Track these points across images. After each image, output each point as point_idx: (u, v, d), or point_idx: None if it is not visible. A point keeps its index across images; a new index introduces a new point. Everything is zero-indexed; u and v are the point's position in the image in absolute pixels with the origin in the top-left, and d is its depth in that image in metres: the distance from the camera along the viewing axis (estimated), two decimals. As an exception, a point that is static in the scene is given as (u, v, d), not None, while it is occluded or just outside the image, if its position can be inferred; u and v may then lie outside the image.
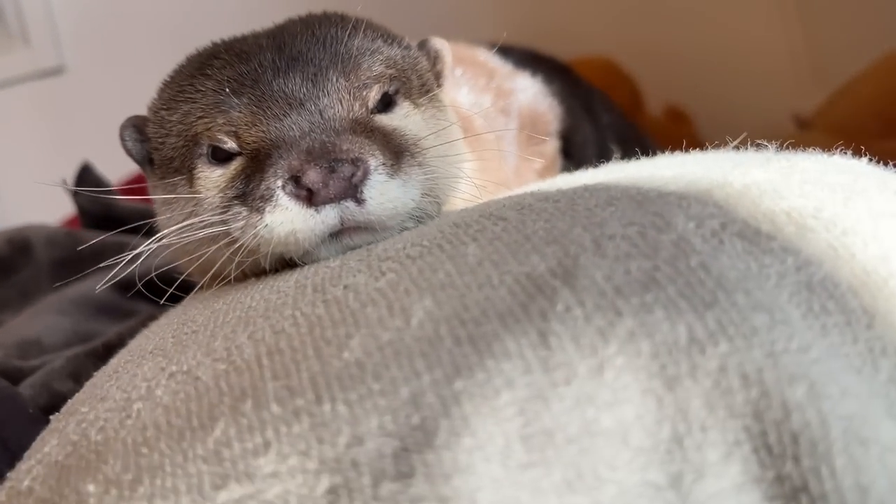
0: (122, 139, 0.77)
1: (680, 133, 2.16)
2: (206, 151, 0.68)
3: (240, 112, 0.65)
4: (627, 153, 1.31)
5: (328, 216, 0.60)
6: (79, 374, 0.90)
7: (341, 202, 0.60)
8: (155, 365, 0.52)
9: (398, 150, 0.64)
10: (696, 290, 0.40)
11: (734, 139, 0.62)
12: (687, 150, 0.68)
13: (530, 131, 1.01)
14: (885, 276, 0.44)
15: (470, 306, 0.43)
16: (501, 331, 0.41)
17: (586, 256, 0.44)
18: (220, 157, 0.67)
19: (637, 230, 0.45)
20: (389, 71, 0.69)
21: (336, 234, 0.62)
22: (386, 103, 0.69)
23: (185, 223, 0.68)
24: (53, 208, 2.31)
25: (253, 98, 0.65)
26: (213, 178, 0.68)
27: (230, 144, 0.66)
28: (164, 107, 0.72)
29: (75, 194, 1.35)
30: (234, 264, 0.63)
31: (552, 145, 1.05)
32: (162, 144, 0.72)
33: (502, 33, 2.34)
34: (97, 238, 1.26)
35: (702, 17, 2.31)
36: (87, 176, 1.36)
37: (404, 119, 0.69)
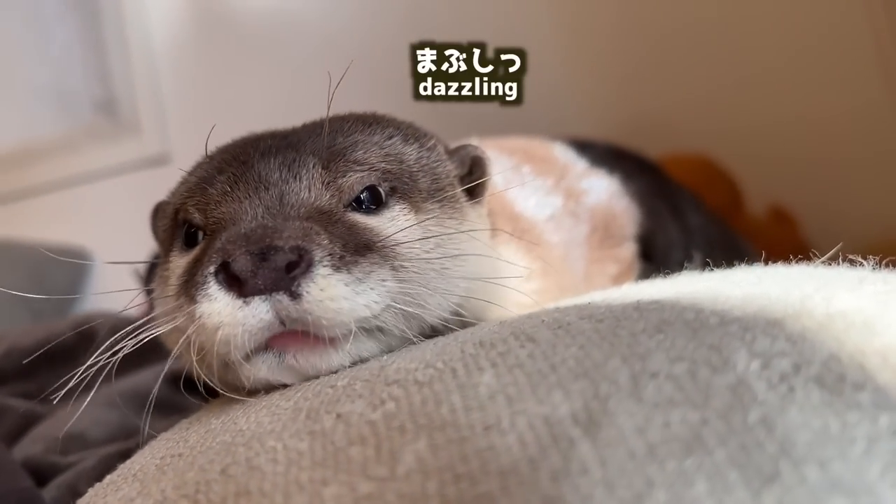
0: (151, 221, 0.75)
1: (784, 236, 2.02)
2: (181, 234, 0.63)
3: (213, 189, 0.60)
4: (717, 258, 1.21)
5: (258, 309, 0.52)
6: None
7: (273, 295, 0.51)
8: (127, 493, 0.46)
9: (364, 245, 0.56)
10: (753, 457, 0.30)
11: (844, 242, 0.53)
12: (791, 256, 0.59)
13: (603, 234, 0.93)
14: None
15: (469, 455, 0.35)
16: (499, 495, 0.32)
17: (619, 399, 0.35)
18: (192, 242, 0.62)
19: (687, 368, 0.36)
20: (386, 166, 0.62)
21: (280, 352, 0.54)
22: (376, 203, 0.61)
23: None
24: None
25: (231, 177, 0.60)
26: (177, 264, 0.63)
27: (196, 218, 0.61)
28: (171, 194, 0.69)
29: (146, 282, 1.34)
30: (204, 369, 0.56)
31: (628, 249, 0.96)
32: (161, 230, 0.70)
33: (595, 125, 2.29)
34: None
35: (809, 108, 2.18)
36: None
37: (388, 221, 0.60)
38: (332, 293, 0.52)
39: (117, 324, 1.23)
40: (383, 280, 0.55)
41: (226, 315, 0.52)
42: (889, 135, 2.13)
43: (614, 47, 2.26)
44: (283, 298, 0.51)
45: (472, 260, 0.63)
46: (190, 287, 0.56)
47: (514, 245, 0.75)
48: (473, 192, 0.70)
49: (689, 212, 1.17)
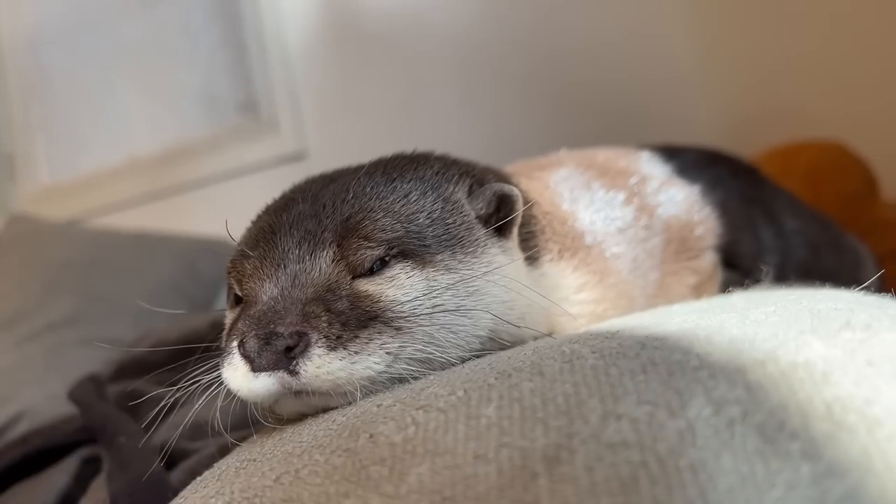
0: None
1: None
2: (231, 293, 0.75)
3: (248, 264, 0.70)
4: (820, 259, 1.20)
5: (266, 383, 0.63)
6: (226, 463, 0.97)
7: (276, 372, 0.62)
8: (208, 492, 0.56)
9: (367, 317, 0.65)
10: (674, 498, 0.35)
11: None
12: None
13: (679, 246, 0.96)
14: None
15: (457, 482, 0.42)
16: (468, 518, 0.39)
17: (583, 438, 0.41)
18: (238, 300, 0.73)
19: (648, 411, 0.42)
20: (396, 235, 0.70)
21: (298, 392, 0.64)
22: (382, 264, 0.69)
23: None
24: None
25: (261, 251, 0.70)
26: (229, 318, 0.75)
27: (236, 289, 0.73)
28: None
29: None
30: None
31: (708, 260, 0.99)
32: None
33: (724, 114, 2.26)
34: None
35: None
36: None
37: (388, 282, 0.68)
38: (327, 369, 0.62)
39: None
40: (383, 344, 0.64)
41: (242, 383, 0.64)
42: None
43: (746, 33, 2.22)
44: (284, 375, 0.62)
45: (490, 294, 0.71)
46: (224, 349, 0.69)
47: (563, 262, 0.82)
48: (506, 227, 0.78)
49: (785, 215, 1.17)
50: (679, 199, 0.99)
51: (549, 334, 0.77)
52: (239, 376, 0.64)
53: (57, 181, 3.12)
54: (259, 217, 0.78)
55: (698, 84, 2.25)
